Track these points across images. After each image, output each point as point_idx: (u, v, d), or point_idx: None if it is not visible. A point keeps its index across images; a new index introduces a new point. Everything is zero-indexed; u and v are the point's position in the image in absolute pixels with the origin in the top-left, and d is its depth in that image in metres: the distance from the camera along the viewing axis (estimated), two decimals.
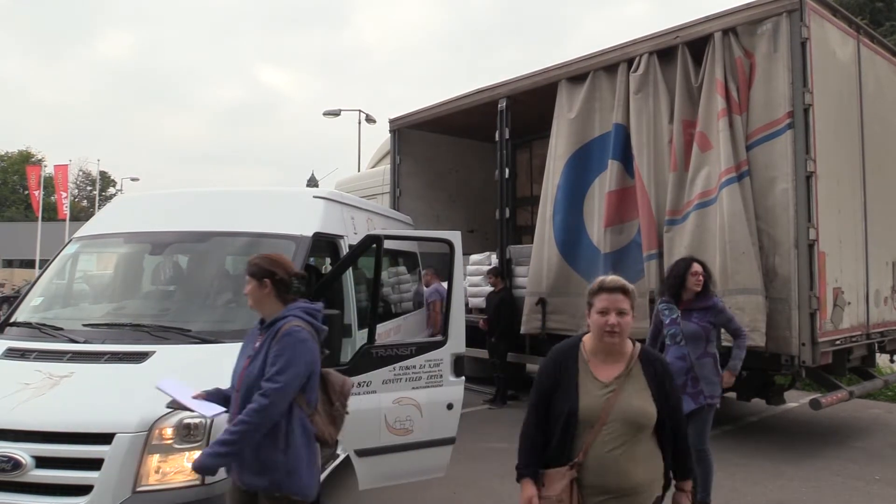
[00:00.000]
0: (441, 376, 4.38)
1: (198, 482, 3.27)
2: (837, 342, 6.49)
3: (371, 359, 4.15)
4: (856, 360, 7.31)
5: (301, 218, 4.75)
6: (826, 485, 5.61)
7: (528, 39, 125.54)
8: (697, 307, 4.72)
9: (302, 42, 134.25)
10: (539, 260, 8.21)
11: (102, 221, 5.38)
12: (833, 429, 7.54)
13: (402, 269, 7.54)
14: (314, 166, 79.64)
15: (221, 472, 3.32)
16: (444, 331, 4.44)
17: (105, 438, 3.24)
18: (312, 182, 25.99)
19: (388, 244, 4.60)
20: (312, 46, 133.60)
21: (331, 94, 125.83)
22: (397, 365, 4.22)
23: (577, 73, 8.13)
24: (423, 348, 4.37)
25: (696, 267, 4.76)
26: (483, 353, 8.97)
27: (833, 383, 6.77)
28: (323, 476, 4.40)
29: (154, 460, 3.26)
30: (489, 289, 8.88)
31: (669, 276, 4.93)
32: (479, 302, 9.11)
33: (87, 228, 5.26)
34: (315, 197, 5.05)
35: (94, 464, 3.21)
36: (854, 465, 6.17)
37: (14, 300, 5.25)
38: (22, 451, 3.23)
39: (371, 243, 4.27)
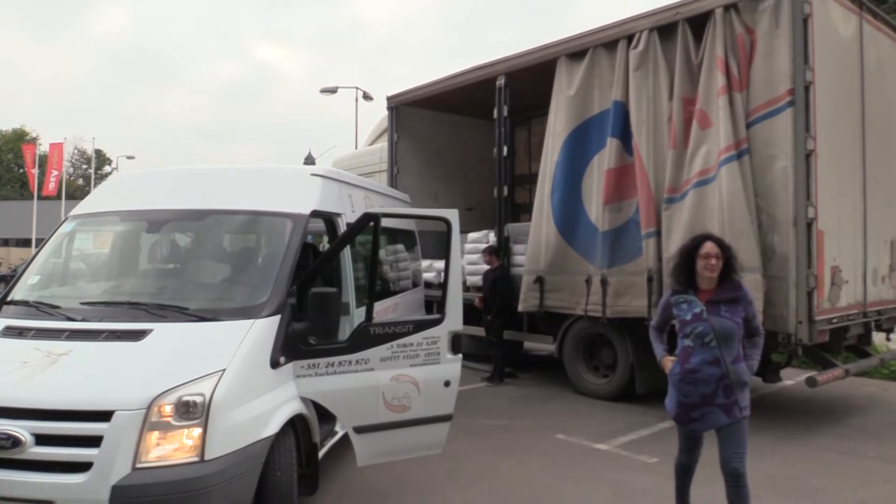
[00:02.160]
0: (438, 354, 4.38)
1: (197, 459, 3.29)
2: (834, 320, 6.52)
3: (369, 336, 4.16)
4: (852, 339, 7.35)
5: (298, 196, 4.72)
6: (821, 461, 5.66)
7: (530, 16, 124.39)
8: (724, 298, 3.77)
9: (300, 18, 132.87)
10: (537, 238, 8.21)
11: (98, 199, 5.34)
12: (829, 406, 7.59)
13: (400, 246, 7.53)
14: (311, 144, 79.15)
15: (222, 449, 3.37)
16: (442, 308, 4.44)
17: (104, 416, 3.25)
18: (309, 160, 25.82)
19: (385, 222, 4.58)
20: (310, 22, 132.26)
21: (329, 71, 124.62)
22: (395, 343, 4.23)
23: (577, 50, 8.05)
24: (420, 326, 4.37)
25: (709, 247, 3.78)
26: (481, 331, 9.00)
27: (829, 361, 6.82)
28: (322, 453, 4.45)
29: (153, 437, 3.27)
30: (487, 267, 8.89)
31: (678, 255, 4.02)
32: (477, 280, 9.12)
33: (84, 206, 5.23)
34: (312, 175, 5.02)
35: (94, 441, 3.22)
36: (849, 442, 6.23)
37: (11, 279, 5.25)
38: (21, 429, 3.24)
39: (368, 221, 4.25)
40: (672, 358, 3.94)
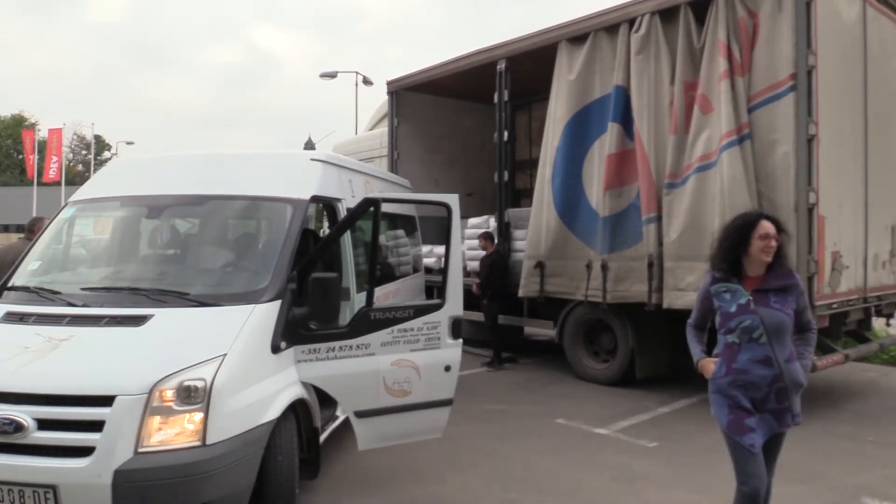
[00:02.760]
0: (439, 339, 4.39)
1: (198, 443, 3.31)
2: (834, 306, 6.53)
3: (369, 321, 4.16)
4: (852, 324, 7.36)
5: (298, 181, 4.71)
6: (819, 446, 5.68)
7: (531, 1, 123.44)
8: (774, 286, 3.24)
9: (300, 2, 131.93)
10: (538, 223, 8.20)
11: (98, 185, 5.33)
12: (828, 391, 7.61)
13: (401, 232, 7.53)
14: (311, 129, 78.97)
15: (223, 433, 3.38)
16: (442, 294, 4.44)
17: (106, 401, 3.26)
18: (309, 145, 25.79)
19: (385, 207, 4.57)
20: (310, 7, 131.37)
21: (329, 56, 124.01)
22: (396, 327, 4.23)
23: (578, 34, 8.00)
24: (421, 311, 4.37)
25: (767, 227, 3.23)
26: (481, 317, 9.02)
27: (829, 346, 6.82)
28: (323, 437, 4.47)
29: (155, 422, 3.29)
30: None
31: (725, 236, 3.39)
32: (477, 265, 9.13)
33: (83, 192, 5.22)
34: (313, 160, 5.00)
35: (96, 426, 3.24)
36: (848, 426, 6.25)
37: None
38: (24, 414, 3.25)
39: (369, 206, 4.25)
40: (713, 360, 3.38)
